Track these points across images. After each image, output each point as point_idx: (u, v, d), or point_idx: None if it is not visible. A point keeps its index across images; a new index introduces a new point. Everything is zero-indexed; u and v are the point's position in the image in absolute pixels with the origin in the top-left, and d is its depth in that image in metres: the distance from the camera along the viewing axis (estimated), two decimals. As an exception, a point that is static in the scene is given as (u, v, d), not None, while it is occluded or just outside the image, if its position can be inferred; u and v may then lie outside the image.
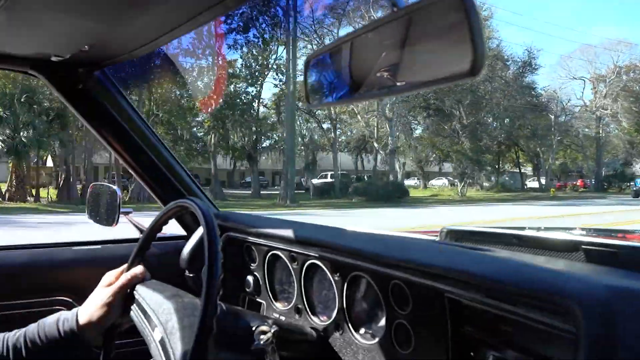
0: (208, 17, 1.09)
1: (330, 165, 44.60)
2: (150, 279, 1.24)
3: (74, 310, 1.20)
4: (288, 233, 1.37)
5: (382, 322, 1.14)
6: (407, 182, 51.16)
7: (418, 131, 45.30)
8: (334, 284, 1.26)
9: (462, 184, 38.31)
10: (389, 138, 37.38)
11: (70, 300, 1.66)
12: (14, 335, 1.17)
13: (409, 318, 1.05)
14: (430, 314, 1.00)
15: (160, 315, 1.06)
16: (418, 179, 44.37)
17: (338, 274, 1.24)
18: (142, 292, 1.18)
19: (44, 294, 1.66)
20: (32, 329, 1.18)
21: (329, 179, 39.47)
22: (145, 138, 1.67)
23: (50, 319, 1.19)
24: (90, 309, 1.18)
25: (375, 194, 30.66)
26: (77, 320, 1.16)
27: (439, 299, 0.97)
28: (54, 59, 1.36)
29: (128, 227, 1.85)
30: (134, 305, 1.19)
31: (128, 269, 1.24)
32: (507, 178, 51.20)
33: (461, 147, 38.27)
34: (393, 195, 30.99)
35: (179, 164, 1.77)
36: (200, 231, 1.55)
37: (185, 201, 1.13)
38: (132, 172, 1.72)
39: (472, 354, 0.95)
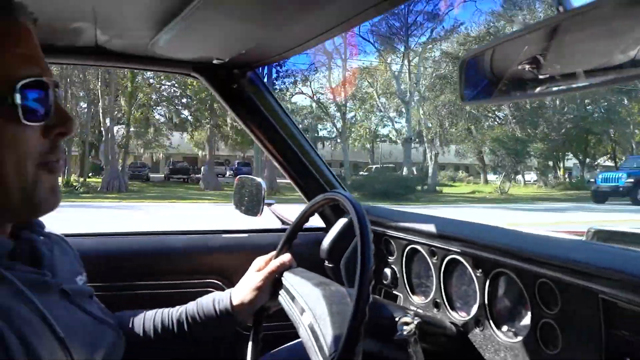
0: (360, 20, 1.15)
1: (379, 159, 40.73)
2: (297, 267, 1.32)
3: (227, 291, 1.30)
4: (429, 228, 1.39)
5: (527, 320, 1.13)
6: (490, 178, 43.44)
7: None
8: (475, 280, 1.26)
9: (502, 178, 32.38)
10: (406, 124, 33.39)
11: (220, 283, 1.80)
12: (177, 312, 1.29)
13: (557, 318, 1.03)
14: (581, 314, 0.97)
15: (309, 301, 1.11)
16: (502, 172, 34.87)
17: (480, 270, 1.24)
18: (290, 279, 1.24)
19: (198, 276, 1.81)
20: (191, 306, 1.29)
21: (365, 173, 36.53)
22: (291, 134, 1.77)
23: (207, 298, 1.30)
24: (243, 291, 1.26)
25: (373, 189, 26.47)
26: (231, 301, 1.26)
27: (592, 300, 0.94)
28: (215, 62, 1.50)
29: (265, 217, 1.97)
30: (282, 290, 1.25)
31: (276, 256, 1.32)
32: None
33: (503, 134, 32.08)
34: (394, 191, 26.48)
35: (320, 160, 1.85)
36: (340, 223, 1.60)
37: (335, 194, 1.18)
38: (278, 166, 1.83)
39: (627, 359, 0.92)
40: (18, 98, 0.76)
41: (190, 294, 1.41)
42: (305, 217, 1.32)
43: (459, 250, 1.29)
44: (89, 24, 1.32)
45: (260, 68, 1.74)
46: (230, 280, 1.75)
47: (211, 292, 1.36)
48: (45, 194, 0.83)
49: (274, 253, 1.34)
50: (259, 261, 1.33)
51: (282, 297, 1.25)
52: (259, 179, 1.94)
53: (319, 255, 1.58)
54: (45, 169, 0.83)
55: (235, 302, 1.26)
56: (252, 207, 1.96)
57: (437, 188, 33.70)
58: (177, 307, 1.32)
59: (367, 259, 0.95)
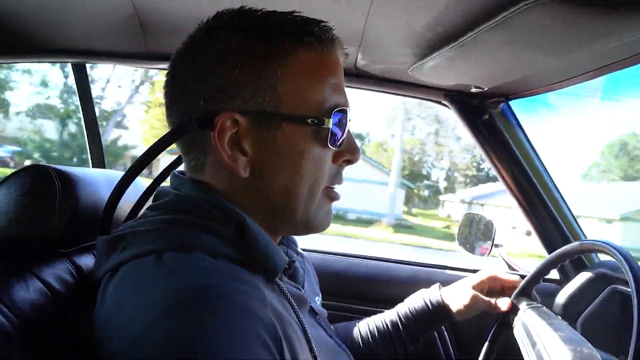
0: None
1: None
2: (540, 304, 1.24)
3: (435, 287, 1.37)
4: None
5: None
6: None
7: None
8: None
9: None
10: None
11: None
12: (387, 315, 1.36)
13: None
14: None
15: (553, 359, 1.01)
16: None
17: None
18: (533, 321, 1.15)
19: None
20: (401, 307, 1.36)
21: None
22: (539, 176, 1.64)
23: (415, 296, 1.37)
24: (452, 291, 1.34)
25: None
26: (441, 295, 1.33)
27: None
28: (473, 90, 1.44)
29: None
30: (521, 328, 1.18)
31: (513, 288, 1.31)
32: None
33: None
34: None
35: (568, 208, 1.68)
36: (582, 277, 1.46)
37: (598, 242, 1.05)
38: (519, 208, 1.69)
39: None
40: (330, 123, 0.79)
41: None
42: (555, 260, 1.21)
43: None
44: (352, 48, 1.36)
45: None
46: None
47: None
48: (323, 217, 0.87)
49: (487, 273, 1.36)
50: (482, 274, 1.37)
51: (520, 336, 1.18)
52: (490, 218, 1.84)
53: (551, 308, 1.45)
54: (327, 197, 0.87)
55: (444, 297, 1.32)
56: (478, 246, 1.86)
57: None
58: (385, 312, 1.38)
59: None
